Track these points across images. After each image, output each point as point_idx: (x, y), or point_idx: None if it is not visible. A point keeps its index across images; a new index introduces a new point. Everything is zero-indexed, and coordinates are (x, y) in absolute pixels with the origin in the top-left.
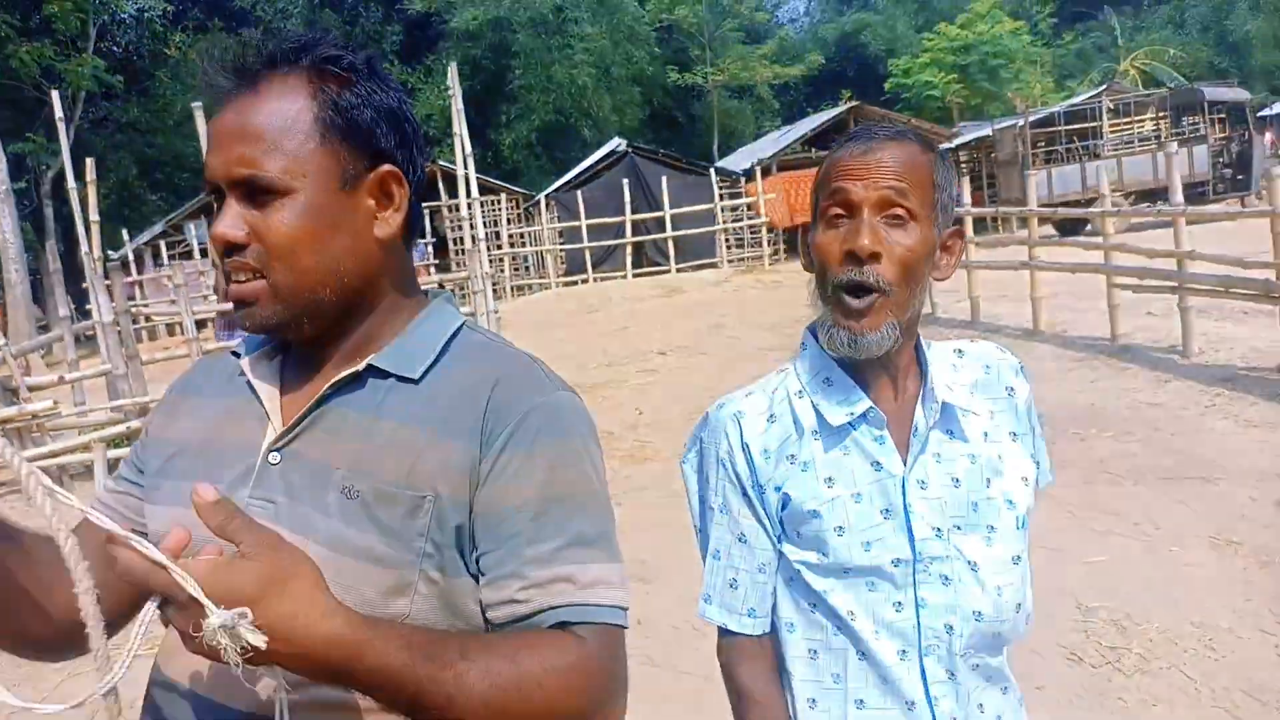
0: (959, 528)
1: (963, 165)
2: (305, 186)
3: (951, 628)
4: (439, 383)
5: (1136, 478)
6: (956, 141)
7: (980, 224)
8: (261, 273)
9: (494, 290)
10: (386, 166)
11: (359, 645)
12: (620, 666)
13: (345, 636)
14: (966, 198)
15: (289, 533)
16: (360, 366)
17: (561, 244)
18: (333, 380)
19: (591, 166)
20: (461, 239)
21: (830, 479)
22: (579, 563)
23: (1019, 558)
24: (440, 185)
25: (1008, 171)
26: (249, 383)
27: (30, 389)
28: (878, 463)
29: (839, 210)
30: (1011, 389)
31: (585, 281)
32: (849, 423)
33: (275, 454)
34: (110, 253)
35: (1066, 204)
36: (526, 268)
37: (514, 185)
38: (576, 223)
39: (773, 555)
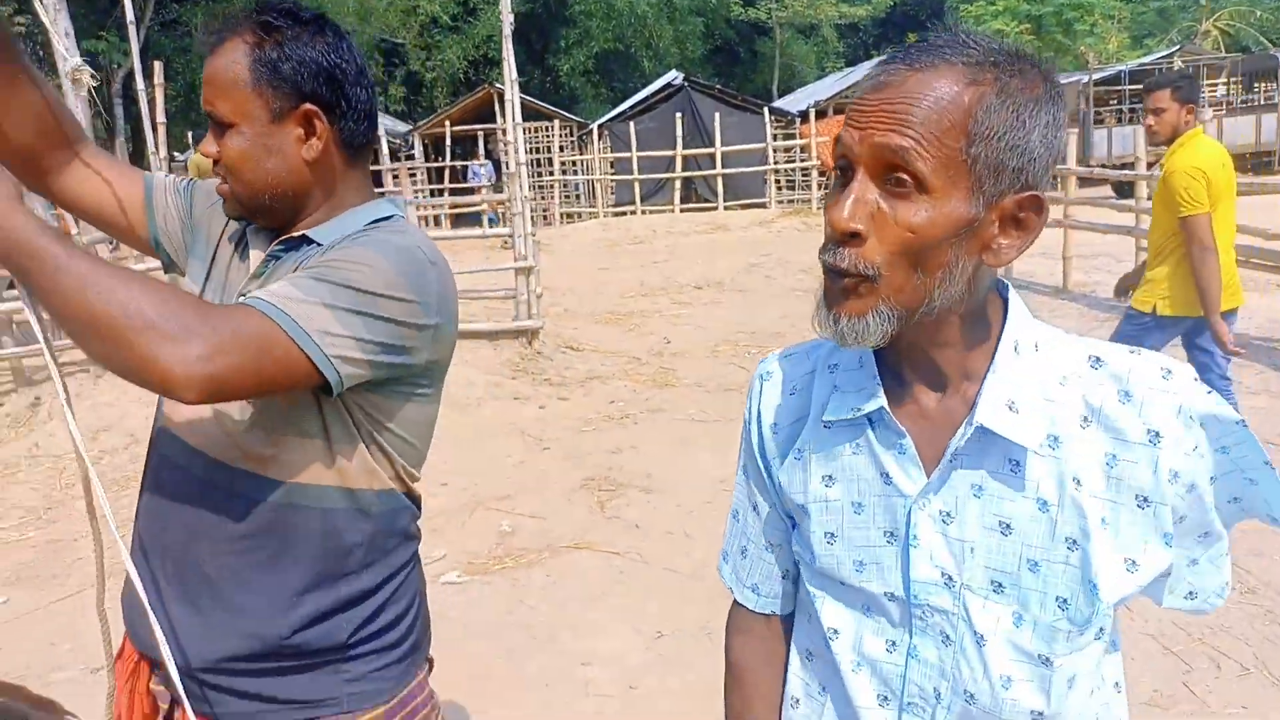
0: (999, 586)
1: None
2: (243, 121)
3: (940, 695)
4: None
5: None
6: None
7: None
8: (226, 180)
9: (543, 216)
10: (308, 105)
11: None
12: (240, 341)
13: None
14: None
15: None
16: (296, 235)
17: (612, 174)
18: (275, 243)
19: (646, 98)
20: (509, 163)
21: (829, 476)
22: (287, 284)
23: (1049, 660)
24: (496, 108)
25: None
26: (247, 242)
27: None
28: (887, 474)
29: (842, 167)
30: (1157, 435)
31: (633, 213)
32: (865, 417)
33: (241, 297)
34: (176, 154)
35: (1124, 165)
36: (577, 196)
37: (570, 113)
38: (628, 154)
39: (783, 536)
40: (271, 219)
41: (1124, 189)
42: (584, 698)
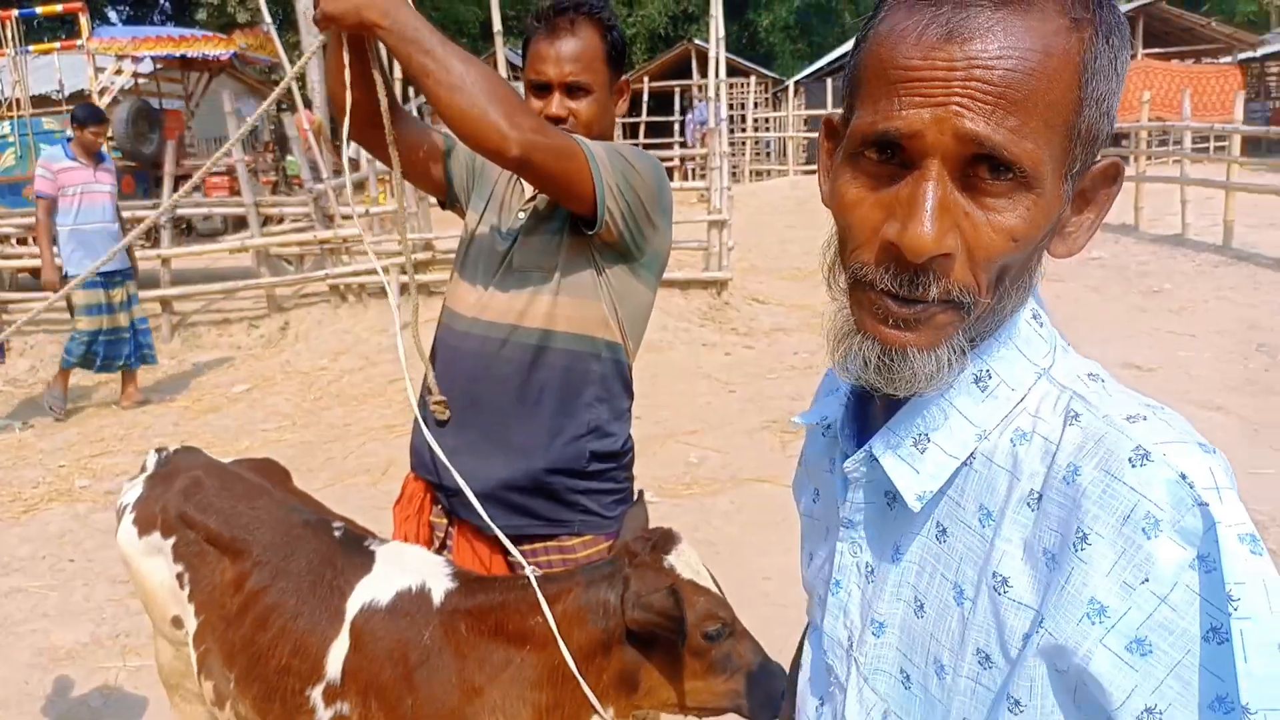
0: (907, 679)
1: (1270, 78)
2: (599, 90)
3: None
4: None
5: None
6: (1263, 51)
7: (1256, 145)
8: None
9: (733, 173)
10: (623, 76)
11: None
12: (556, 142)
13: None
14: (1237, 112)
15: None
16: None
17: (806, 132)
18: None
19: (843, 55)
20: (708, 120)
21: (817, 491)
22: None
23: None
24: (694, 64)
25: None
26: None
27: (343, 217)
28: (839, 503)
29: (880, 149)
30: (1083, 536)
31: None
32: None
33: (521, 213)
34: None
35: None
36: (768, 153)
37: (766, 69)
38: (823, 111)
39: None
40: None
41: None
42: (763, 606)
